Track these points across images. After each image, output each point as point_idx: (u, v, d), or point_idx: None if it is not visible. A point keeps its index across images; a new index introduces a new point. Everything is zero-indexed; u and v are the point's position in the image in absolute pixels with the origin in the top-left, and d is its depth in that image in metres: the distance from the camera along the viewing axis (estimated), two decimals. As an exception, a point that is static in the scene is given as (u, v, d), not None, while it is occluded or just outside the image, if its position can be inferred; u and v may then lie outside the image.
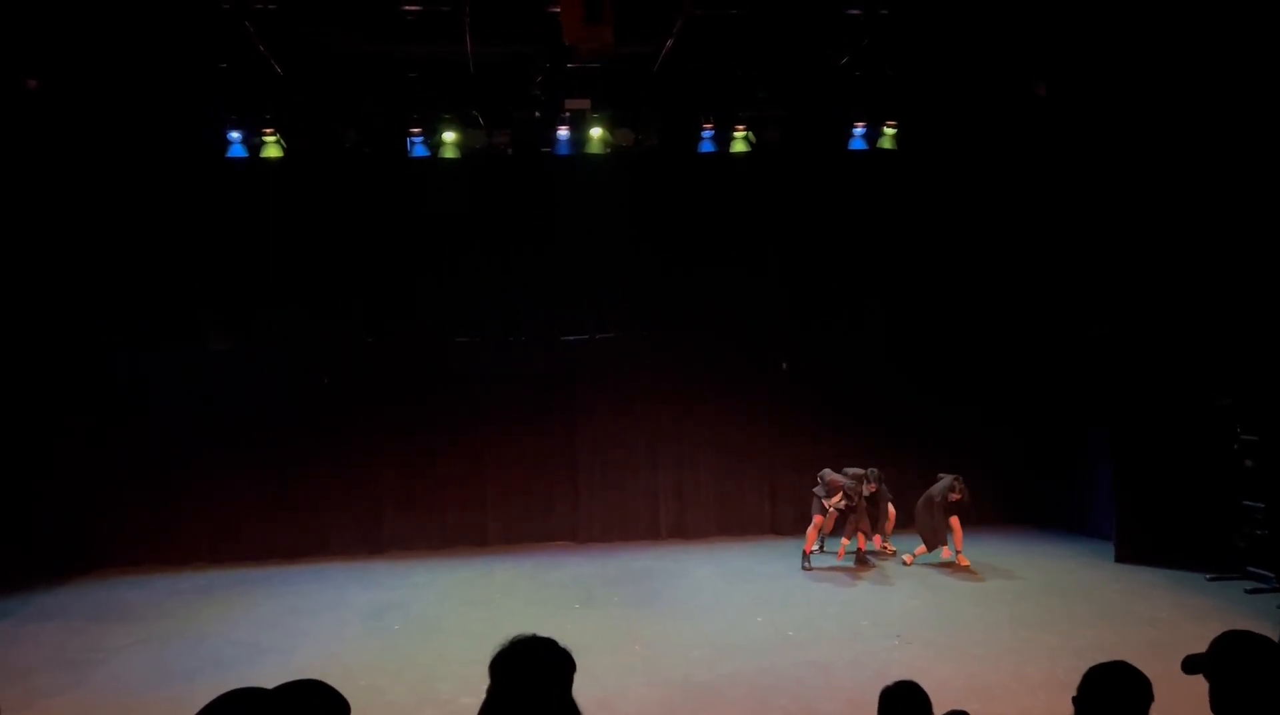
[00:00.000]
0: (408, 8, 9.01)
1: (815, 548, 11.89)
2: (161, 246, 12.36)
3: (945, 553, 11.51)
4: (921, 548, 11.61)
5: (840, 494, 11.30)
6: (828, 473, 11.59)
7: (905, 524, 12.32)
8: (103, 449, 12.47)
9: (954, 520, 11.39)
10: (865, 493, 11.49)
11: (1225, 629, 2.91)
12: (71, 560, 12.11)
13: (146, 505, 12.48)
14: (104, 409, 12.52)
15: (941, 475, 11.62)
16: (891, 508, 12.09)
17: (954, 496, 11.34)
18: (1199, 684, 2.78)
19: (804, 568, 11.48)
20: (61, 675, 8.50)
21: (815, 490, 11.63)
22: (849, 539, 11.59)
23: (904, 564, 11.65)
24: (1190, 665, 2.78)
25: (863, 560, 11.63)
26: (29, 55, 9.47)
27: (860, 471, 11.63)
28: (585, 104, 11.03)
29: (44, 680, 8.39)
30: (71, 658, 8.95)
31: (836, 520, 11.61)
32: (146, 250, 12.33)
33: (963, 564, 11.36)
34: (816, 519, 11.52)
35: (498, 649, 2.56)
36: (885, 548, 12.25)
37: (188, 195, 12.27)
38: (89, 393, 12.48)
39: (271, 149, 11.25)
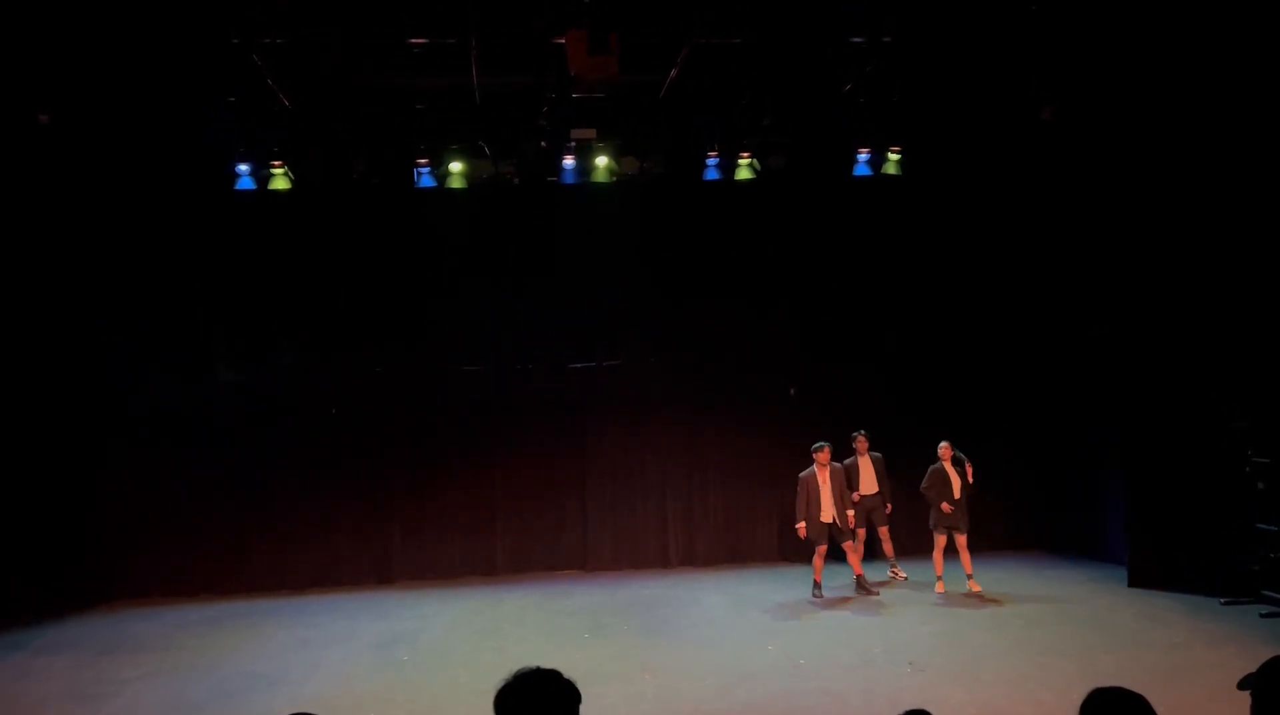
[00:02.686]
0: (414, 40, 9.10)
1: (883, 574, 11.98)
2: (172, 280, 12.47)
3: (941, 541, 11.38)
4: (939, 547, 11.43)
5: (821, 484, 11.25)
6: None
7: (914, 550, 12.26)
8: (111, 482, 12.47)
9: (961, 540, 11.27)
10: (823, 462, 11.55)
11: (1241, 654, 3.01)
12: (81, 593, 12.09)
13: (155, 537, 12.47)
14: (111, 441, 12.53)
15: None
16: (885, 531, 12.03)
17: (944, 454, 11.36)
18: (1215, 710, 2.79)
19: (814, 596, 11.42)
20: (72, 709, 8.47)
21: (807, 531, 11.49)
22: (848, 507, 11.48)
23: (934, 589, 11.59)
24: (1243, 684, 2.93)
25: (862, 586, 11.47)
26: (42, 90, 9.57)
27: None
28: (591, 133, 11.11)
29: (55, 714, 8.36)
30: (82, 690, 8.92)
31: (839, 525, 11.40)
32: (158, 284, 12.44)
33: (974, 590, 11.27)
34: (821, 547, 11.39)
35: (502, 683, 2.55)
36: (895, 573, 12.17)
37: (197, 228, 12.38)
38: (96, 425, 12.50)
39: (280, 181, 11.33)
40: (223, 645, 10.30)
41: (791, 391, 13.57)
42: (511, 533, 13.34)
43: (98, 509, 12.42)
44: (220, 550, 12.65)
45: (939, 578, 11.46)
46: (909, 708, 3.61)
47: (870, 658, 9.11)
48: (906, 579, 12.00)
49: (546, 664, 2.61)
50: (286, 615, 11.51)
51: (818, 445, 11.46)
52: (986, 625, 10.12)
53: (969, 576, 11.33)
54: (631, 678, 8.75)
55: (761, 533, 13.65)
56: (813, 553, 11.50)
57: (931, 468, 11.47)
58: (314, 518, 12.84)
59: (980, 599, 11.07)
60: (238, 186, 11.36)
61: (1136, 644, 9.24)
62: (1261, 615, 10.02)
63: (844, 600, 11.31)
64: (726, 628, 10.42)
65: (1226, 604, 10.41)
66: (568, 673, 2.58)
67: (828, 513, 11.32)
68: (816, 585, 11.48)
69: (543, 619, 11.08)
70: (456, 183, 11.68)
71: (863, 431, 12.04)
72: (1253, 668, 2.92)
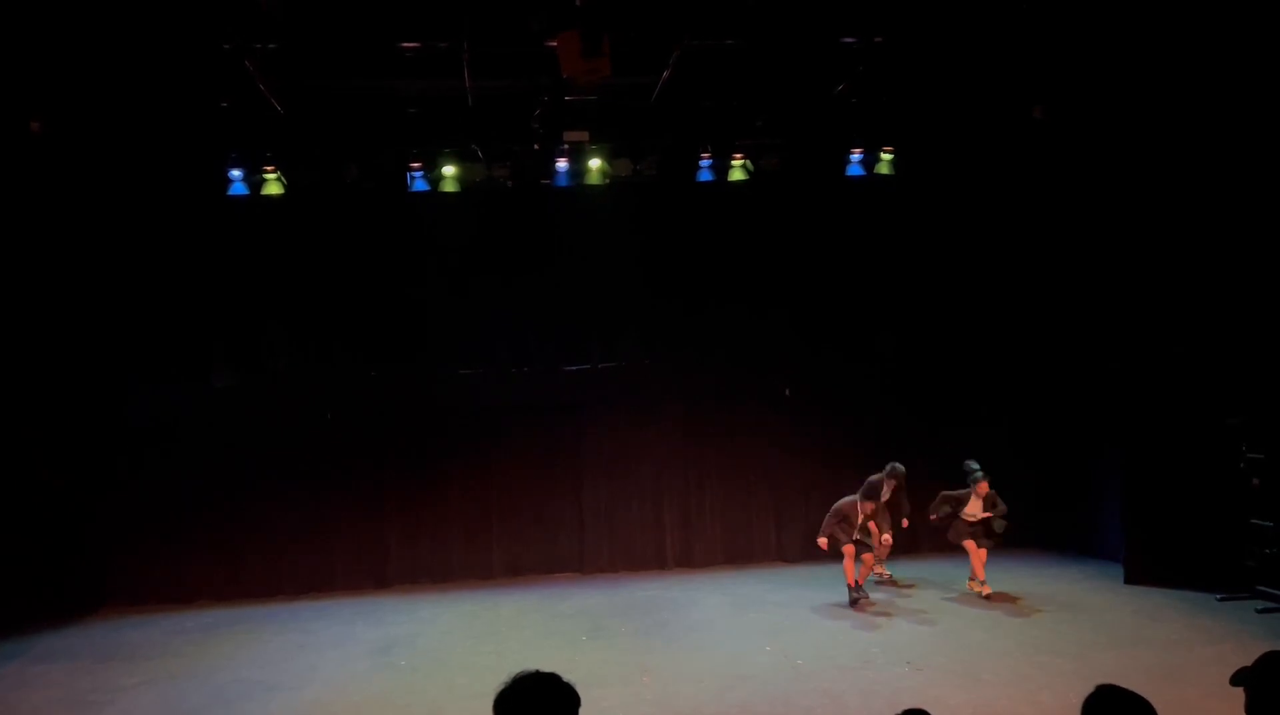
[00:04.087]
0: (406, 45, 9.09)
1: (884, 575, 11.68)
2: (166, 286, 12.39)
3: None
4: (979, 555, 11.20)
5: (859, 514, 10.96)
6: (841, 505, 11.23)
7: (910, 551, 12.26)
8: (107, 489, 12.43)
9: (969, 544, 11.15)
10: (885, 495, 11.29)
11: (1238, 651, 3.03)
12: (77, 600, 12.06)
13: (151, 544, 12.42)
14: (108, 448, 12.50)
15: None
16: (888, 536, 11.72)
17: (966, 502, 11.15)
18: (1212, 706, 2.80)
19: (851, 601, 10.97)
20: (68, 717, 8.46)
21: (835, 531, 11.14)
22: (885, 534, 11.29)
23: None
24: (1236, 678, 2.97)
25: (860, 593, 11.10)
26: (33, 97, 9.55)
27: (878, 476, 11.43)
28: (584, 136, 11.09)
29: (50, 723, 8.36)
30: (79, 698, 8.90)
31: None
32: (152, 290, 12.37)
33: (984, 592, 11.10)
34: (847, 549, 10.98)
35: (501, 686, 2.55)
36: (881, 573, 12.04)
37: (190, 233, 12.33)
38: (90, 432, 12.47)
39: (272, 186, 11.33)
40: (219, 652, 10.28)
41: (786, 392, 13.58)
42: (508, 536, 13.33)
43: (92, 516, 12.38)
44: (216, 556, 12.62)
45: (983, 582, 11.18)
46: (907, 708, 3.61)
47: (869, 658, 9.12)
48: (891, 576, 11.94)
49: (545, 667, 2.62)
50: (283, 621, 11.48)
51: (868, 494, 11.15)
52: (984, 625, 10.13)
53: (982, 582, 11.11)
54: (630, 680, 8.74)
55: (758, 534, 13.65)
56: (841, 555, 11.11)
57: (960, 492, 11.24)
58: (309, 523, 12.81)
59: (979, 599, 11.01)
60: (230, 192, 11.35)
61: (1134, 641, 9.26)
62: (1257, 611, 10.05)
63: (842, 601, 11.26)
64: (724, 629, 10.42)
65: (1223, 600, 10.44)
66: (566, 676, 2.58)
67: (856, 534, 11.03)
68: (851, 589, 11.04)
69: (540, 622, 11.07)
70: (450, 186, 11.68)
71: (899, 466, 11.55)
72: (1249, 663, 2.93)
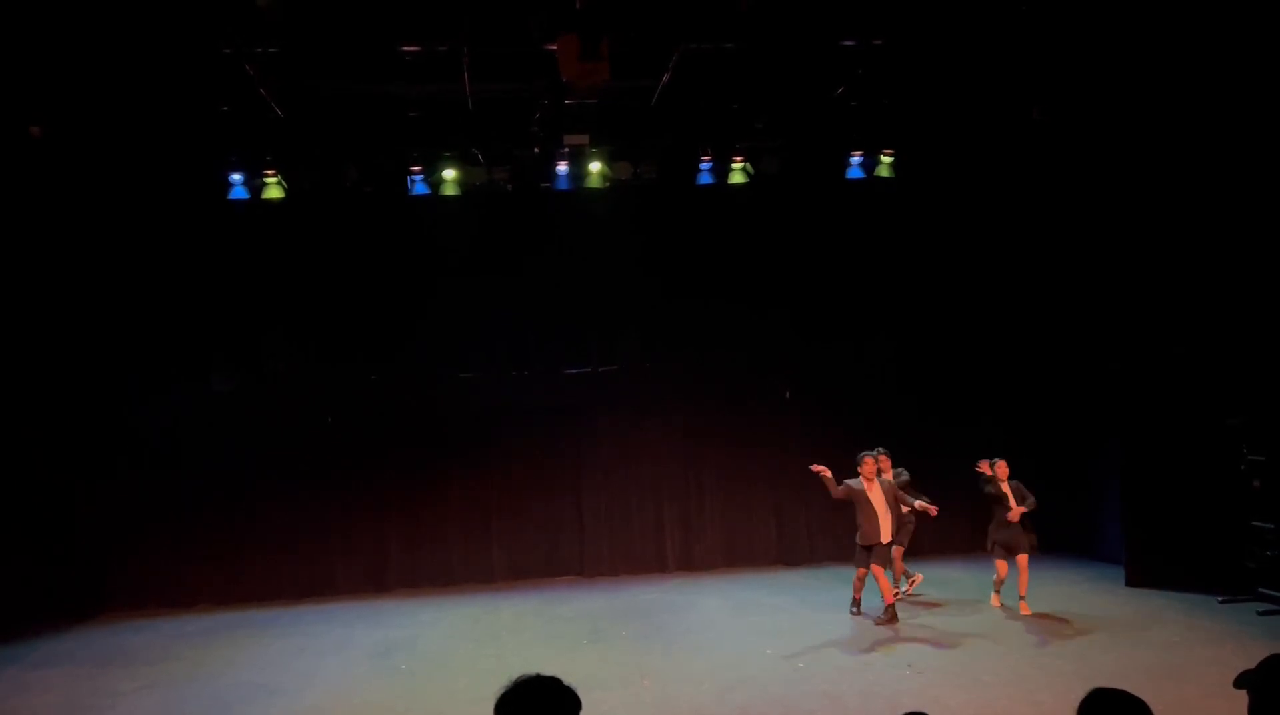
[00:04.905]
0: (406, 48, 9.09)
1: (900, 591, 11.08)
2: (167, 288, 12.42)
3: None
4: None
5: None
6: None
7: (908, 551, 12.23)
8: (107, 495, 12.44)
9: (1022, 560, 10.61)
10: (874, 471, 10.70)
11: (1239, 652, 3.01)
12: (76, 605, 12.06)
13: (151, 548, 12.44)
14: (108, 455, 12.50)
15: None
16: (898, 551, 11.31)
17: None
18: (1213, 707, 2.79)
19: (852, 612, 10.87)
20: (68, 721, 8.45)
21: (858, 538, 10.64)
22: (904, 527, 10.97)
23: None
24: (1240, 681, 2.95)
25: (891, 616, 10.59)
26: (33, 102, 9.55)
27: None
28: (584, 139, 11.08)
29: (51, 727, 8.35)
30: (79, 703, 8.90)
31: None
32: (150, 293, 12.40)
33: (994, 603, 10.93)
34: (860, 571, 10.69)
35: (502, 690, 2.55)
36: (911, 581, 11.70)
37: (190, 238, 12.35)
38: (89, 436, 12.48)
39: (273, 190, 11.32)
40: (220, 656, 10.28)
41: (786, 394, 13.58)
42: (508, 539, 13.33)
43: (92, 520, 12.39)
44: (216, 560, 12.63)
45: (996, 592, 10.94)
46: (908, 709, 3.62)
47: (869, 660, 9.12)
48: (921, 579, 11.61)
49: (546, 670, 2.62)
50: (283, 625, 11.48)
51: (860, 457, 10.70)
52: (984, 626, 10.13)
53: (1022, 597, 10.63)
54: (631, 683, 8.74)
55: (758, 536, 13.65)
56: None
57: (986, 491, 10.83)
58: (310, 526, 12.82)
59: (989, 607, 10.87)
60: (231, 196, 11.35)
61: (1134, 643, 9.26)
62: (1259, 613, 10.05)
63: (841, 603, 11.23)
64: (724, 631, 10.42)
65: (1224, 602, 10.44)
66: (567, 679, 2.58)
67: (884, 532, 10.42)
68: (854, 603, 10.96)
69: (541, 625, 11.07)
70: (450, 190, 11.68)
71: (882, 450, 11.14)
72: (1250, 665, 2.93)
